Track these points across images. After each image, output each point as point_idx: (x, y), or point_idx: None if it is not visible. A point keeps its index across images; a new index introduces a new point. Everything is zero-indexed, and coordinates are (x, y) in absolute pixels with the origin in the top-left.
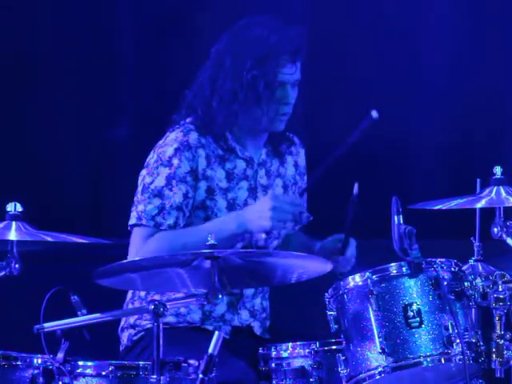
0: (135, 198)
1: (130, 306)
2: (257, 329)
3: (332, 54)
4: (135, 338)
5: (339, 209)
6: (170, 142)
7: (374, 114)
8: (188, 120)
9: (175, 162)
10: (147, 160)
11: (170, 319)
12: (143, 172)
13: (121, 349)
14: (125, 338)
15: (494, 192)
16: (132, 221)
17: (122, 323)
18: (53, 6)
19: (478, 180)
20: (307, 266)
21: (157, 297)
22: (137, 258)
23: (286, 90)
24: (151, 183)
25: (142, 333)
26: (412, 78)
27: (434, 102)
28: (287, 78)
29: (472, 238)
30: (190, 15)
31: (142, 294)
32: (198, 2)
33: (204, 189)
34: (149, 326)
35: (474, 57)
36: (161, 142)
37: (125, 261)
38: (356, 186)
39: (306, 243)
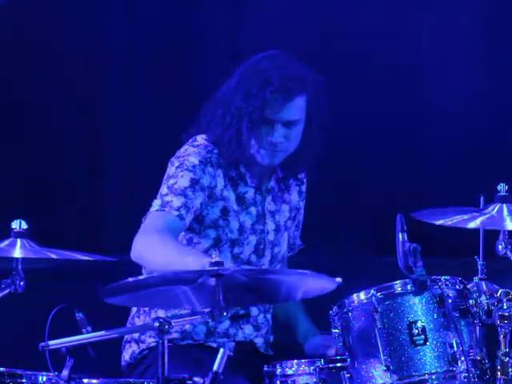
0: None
1: (136, 319)
2: (260, 345)
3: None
4: (139, 356)
5: (345, 224)
6: (193, 154)
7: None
8: (204, 136)
9: (199, 171)
10: (167, 171)
11: (175, 336)
12: (165, 180)
13: (122, 364)
14: (127, 354)
15: (495, 210)
16: (154, 208)
17: (126, 336)
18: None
19: (482, 197)
20: (312, 284)
21: (160, 312)
22: (141, 277)
23: (272, 128)
24: (175, 183)
25: (146, 351)
26: (418, 96)
27: (440, 120)
28: (276, 116)
29: (476, 257)
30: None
31: (147, 308)
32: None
33: (220, 208)
34: (153, 344)
35: (478, 71)
36: (181, 151)
37: (131, 279)
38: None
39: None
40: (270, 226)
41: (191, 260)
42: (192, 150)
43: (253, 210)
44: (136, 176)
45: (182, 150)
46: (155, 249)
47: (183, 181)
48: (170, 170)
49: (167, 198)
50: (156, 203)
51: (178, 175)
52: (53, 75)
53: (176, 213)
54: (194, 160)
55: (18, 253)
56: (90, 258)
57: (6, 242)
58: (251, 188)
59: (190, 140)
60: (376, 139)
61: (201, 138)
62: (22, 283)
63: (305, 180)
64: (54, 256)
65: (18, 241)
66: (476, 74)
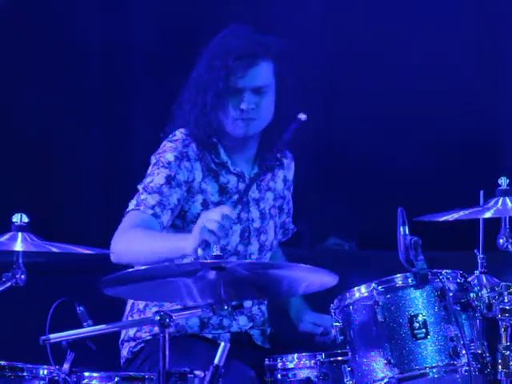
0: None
1: (130, 319)
2: (256, 337)
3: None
4: (135, 349)
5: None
6: (169, 149)
7: (303, 116)
8: (182, 130)
9: (175, 166)
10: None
11: (170, 330)
12: (143, 179)
13: (121, 362)
14: (125, 350)
15: (499, 203)
16: (130, 207)
17: (122, 336)
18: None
19: (482, 192)
20: (313, 279)
21: (155, 309)
22: (143, 267)
23: (241, 96)
24: (151, 181)
25: (142, 344)
26: (417, 91)
27: (439, 115)
28: (243, 83)
29: (476, 251)
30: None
31: (141, 306)
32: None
33: (200, 202)
34: (148, 337)
35: (478, 69)
36: (159, 150)
37: (131, 269)
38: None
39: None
40: (255, 213)
41: (184, 243)
42: (169, 146)
43: (236, 198)
44: (138, 169)
45: (161, 146)
46: (139, 241)
47: (159, 178)
48: (149, 168)
49: (142, 197)
50: (132, 203)
51: (154, 173)
52: (53, 76)
53: (151, 211)
54: (170, 156)
55: (19, 246)
56: (92, 252)
57: (6, 236)
58: (233, 176)
59: (170, 135)
60: (375, 136)
61: (179, 133)
62: (23, 277)
63: (291, 166)
64: (55, 250)
65: (19, 234)
66: (475, 72)
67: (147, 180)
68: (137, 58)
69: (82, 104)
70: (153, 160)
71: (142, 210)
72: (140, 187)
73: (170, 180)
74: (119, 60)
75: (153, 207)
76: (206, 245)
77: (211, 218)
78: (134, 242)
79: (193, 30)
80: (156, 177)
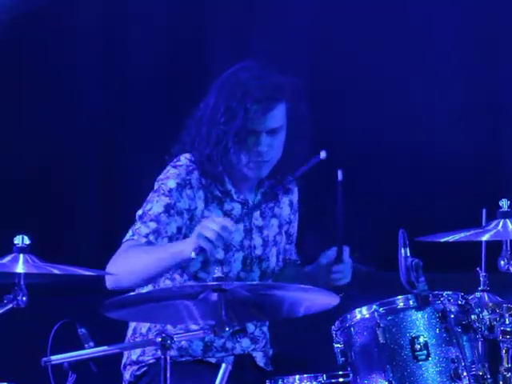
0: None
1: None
2: (259, 359)
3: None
4: (138, 373)
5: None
6: (172, 175)
7: (323, 154)
8: (188, 156)
9: (176, 195)
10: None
11: (173, 353)
12: (144, 205)
13: None
14: (127, 374)
15: (500, 225)
16: (126, 238)
17: (124, 360)
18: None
19: (484, 210)
20: (314, 299)
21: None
22: (144, 291)
23: (257, 138)
24: (150, 209)
25: (145, 368)
26: (419, 108)
27: (442, 134)
28: (260, 126)
29: (478, 269)
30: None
31: (144, 330)
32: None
33: None
34: (151, 361)
35: (478, 86)
36: (162, 175)
37: (132, 293)
38: (340, 172)
39: (299, 272)
40: (257, 241)
41: (180, 247)
42: (172, 172)
43: (240, 226)
44: (140, 192)
45: (164, 171)
46: (134, 259)
47: (157, 206)
48: (150, 194)
49: (136, 227)
50: (128, 233)
51: (153, 200)
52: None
53: (144, 239)
54: (172, 184)
55: (20, 268)
56: (93, 274)
57: (8, 258)
58: (238, 204)
59: (174, 159)
60: (375, 153)
61: (184, 158)
62: (24, 298)
63: (295, 190)
64: (56, 271)
65: (21, 256)
66: (475, 89)
67: (147, 207)
68: (137, 88)
69: (82, 127)
70: (155, 186)
71: (136, 238)
72: (137, 216)
73: (169, 208)
74: (119, 90)
75: (147, 235)
76: (200, 250)
77: (210, 227)
78: (130, 260)
79: (189, 56)
80: (155, 204)
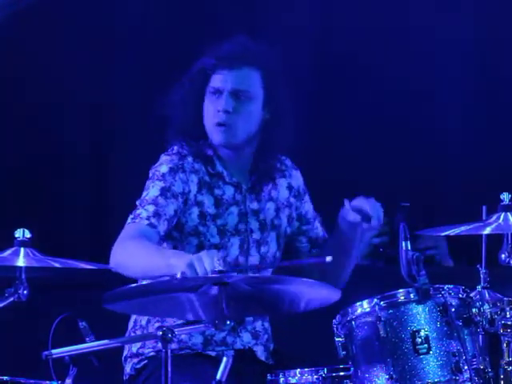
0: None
1: (133, 335)
2: (260, 353)
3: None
4: (138, 366)
5: None
6: (164, 161)
7: (329, 258)
8: (181, 143)
9: (169, 179)
10: None
11: (173, 346)
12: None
13: (124, 378)
14: (128, 367)
15: (501, 218)
16: (127, 222)
17: (125, 353)
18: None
19: (484, 207)
20: (316, 294)
21: (158, 324)
22: (144, 283)
23: (220, 97)
24: (146, 195)
25: (145, 361)
26: (420, 102)
27: (446, 131)
28: (222, 84)
29: (478, 266)
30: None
31: (143, 322)
32: None
33: (197, 214)
34: (152, 353)
35: (479, 83)
36: (157, 162)
37: (133, 285)
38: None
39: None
40: (254, 224)
41: (175, 260)
42: (164, 159)
43: (234, 209)
44: (138, 187)
45: (158, 159)
46: (135, 254)
47: (154, 191)
48: (146, 182)
49: (138, 211)
50: (129, 217)
51: (149, 186)
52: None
53: (146, 222)
54: (164, 169)
55: (21, 262)
56: (94, 267)
57: (9, 251)
58: (230, 186)
59: (169, 149)
60: (377, 149)
61: (176, 146)
62: (25, 292)
63: (296, 174)
64: (57, 265)
65: (22, 250)
66: (477, 86)
67: (143, 194)
68: (130, 79)
69: (80, 122)
70: (149, 174)
71: (138, 221)
72: (138, 201)
73: (164, 191)
74: (112, 82)
75: (148, 218)
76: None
77: (204, 263)
78: (132, 256)
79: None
80: (151, 190)
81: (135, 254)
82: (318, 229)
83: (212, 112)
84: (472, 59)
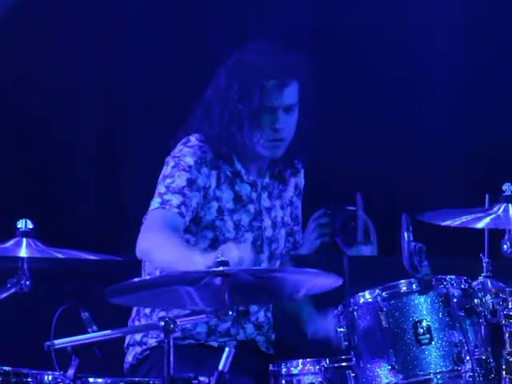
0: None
1: (137, 323)
2: (261, 343)
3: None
4: (140, 356)
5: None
6: (188, 154)
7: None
8: (197, 136)
9: (195, 172)
10: (163, 171)
11: (176, 335)
12: (161, 180)
13: (125, 367)
14: (130, 355)
15: (501, 209)
16: (154, 206)
17: (128, 340)
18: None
19: (487, 195)
20: (316, 281)
21: (162, 314)
22: (147, 277)
23: (274, 115)
24: (172, 182)
25: (148, 352)
26: (421, 93)
27: (444, 119)
28: (276, 102)
29: (481, 255)
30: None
31: (147, 311)
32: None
33: (215, 208)
34: (154, 344)
35: (480, 71)
36: (176, 151)
37: (136, 280)
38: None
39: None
40: (267, 222)
41: (200, 259)
42: (187, 150)
43: (250, 207)
44: (144, 175)
45: (176, 150)
46: (162, 246)
47: (180, 180)
48: (166, 169)
49: (167, 197)
50: (156, 201)
51: (174, 175)
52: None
53: (176, 210)
54: (190, 160)
55: (23, 252)
56: (96, 258)
57: (11, 242)
58: (247, 185)
59: (184, 140)
60: (378, 139)
61: (194, 139)
62: (27, 282)
63: (302, 172)
64: (59, 255)
65: (24, 240)
66: (477, 73)
67: (167, 181)
68: (134, 77)
69: (81, 110)
70: (170, 162)
71: (168, 208)
72: (161, 186)
73: (190, 183)
74: (116, 80)
75: (178, 206)
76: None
77: (237, 260)
78: (158, 249)
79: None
80: (177, 179)
81: (163, 247)
82: (300, 232)
83: (268, 128)
84: (472, 53)
